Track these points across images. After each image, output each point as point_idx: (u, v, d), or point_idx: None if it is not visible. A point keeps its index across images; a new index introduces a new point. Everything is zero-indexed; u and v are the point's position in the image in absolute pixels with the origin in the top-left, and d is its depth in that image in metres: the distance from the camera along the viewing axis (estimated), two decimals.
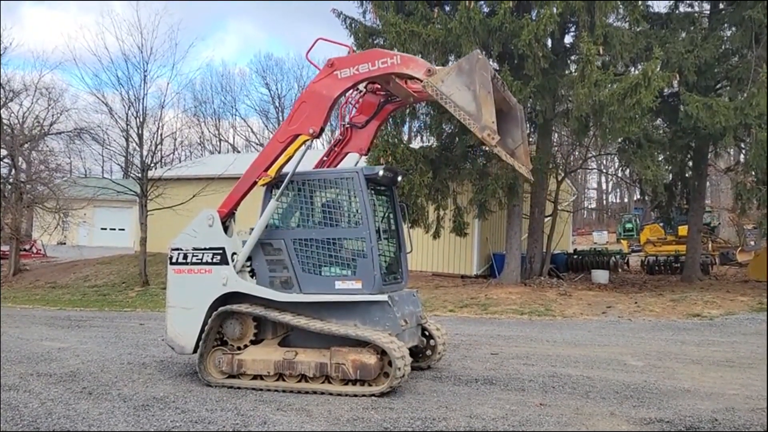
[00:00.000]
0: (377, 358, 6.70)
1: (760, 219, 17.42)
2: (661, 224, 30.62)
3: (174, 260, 7.74)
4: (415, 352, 7.93)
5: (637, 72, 15.97)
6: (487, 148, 19.27)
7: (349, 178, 7.23)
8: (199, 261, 7.58)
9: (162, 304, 8.73)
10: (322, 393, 6.83)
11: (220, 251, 7.49)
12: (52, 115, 27.24)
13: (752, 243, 27.35)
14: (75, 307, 18.07)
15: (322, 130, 7.18)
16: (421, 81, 6.62)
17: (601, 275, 20.04)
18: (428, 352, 8.17)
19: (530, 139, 19.35)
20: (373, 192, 7.54)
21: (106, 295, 20.26)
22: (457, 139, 18.31)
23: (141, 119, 22.43)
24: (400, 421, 5.81)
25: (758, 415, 5.91)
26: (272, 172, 7.43)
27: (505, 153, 6.56)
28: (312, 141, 7.24)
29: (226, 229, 7.64)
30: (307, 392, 6.89)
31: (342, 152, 8.15)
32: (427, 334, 8.12)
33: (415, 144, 18.93)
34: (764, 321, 12.68)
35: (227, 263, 7.43)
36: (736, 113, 15.18)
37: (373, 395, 6.64)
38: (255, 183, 7.55)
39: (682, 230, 25.80)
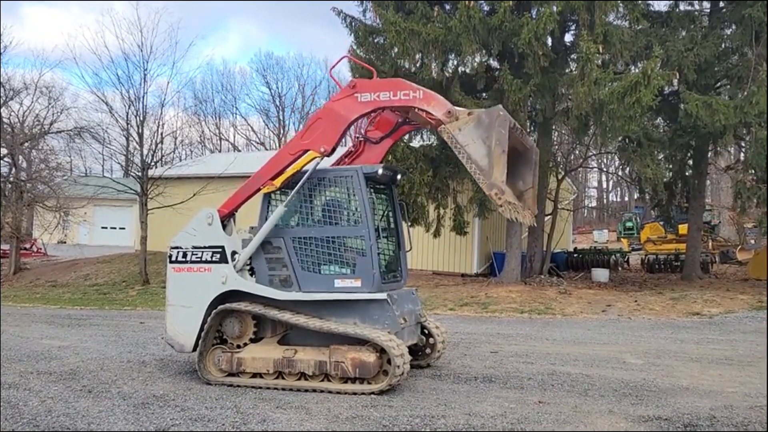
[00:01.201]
0: (376, 357, 6.71)
1: (760, 218, 17.43)
2: (662, 223, 30.65)
3: (173, 258, 7.76)
4: (415, 351, 7.94)
5: (637, 70, 15.96)
6: None
7: (349, 176, 7.23)
8: (199, 259, 7.60)
9: (162, 303, 8.75)
10: (322, 391, 6.85)
11: (220, 250, 7.51)
12: (53, 114, 27.29)
13: (752, 242, 27.39)
14: (75, 305, 18.09)
15: (333, 150, 7.17)
16: (440, 120, 6.58)
17: (601, 274, 20.05)
18: (427, 351, 8.18)
19: (531, 137, 19.39)
20: (372, 190, 7.55)
21: (106, 294, 20.28)
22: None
23: (141, 118, 22.45)
24: (399, 418, 5.82)
25: (756, 413, 5.92)
26: (278, 182, 7.41)
27: (510, 209, 6.40)
28: (321, 159, 7.20)
29: (225, 227, 7.66)
30: (306, 390, 6.91)
31: (352, 164, 8.12)
32: (426, 332, 8.13)
33: (416, 142, 18.94)
34: (763, 319, 12.68)
35: (227, 262, 7.45)
36: (736, 112, 15.18)
37: (373, 393, 6.65)
38: (259, 189, 7.56)
39: (683, 229, 25.82)
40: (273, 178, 7.44)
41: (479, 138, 6.25)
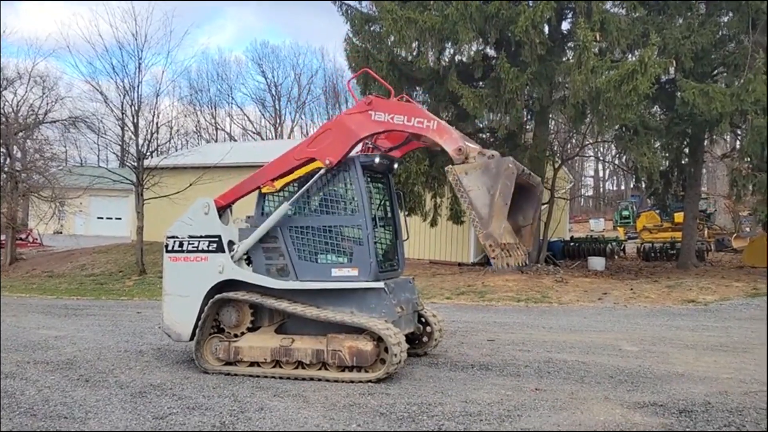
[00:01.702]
0: (374, 345, 6.73)
1: (755, 205, 17.46)
2: (658, 211, 30.76)
3: (170, 248, 7.75)
4: (412, 339, 7.96)
5: (633, 58, 15.93)
6: (484, 136, 19.34)
7: (345, 165, 7.22)
8: (195, 249, 7.59)
9: (159, 293, 8.75)
10: (319, 380, 6.87)
11: (216, 239, 7.50)
12: (47, 104, 27.08)
13: (747, 229, 27.48)
14: (72, 295, 18.08)
15: (339, 163, 7.12)
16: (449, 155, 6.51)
17: (597, 262, 20.11)
18: (424, 339, 8.20)
19: (527, 127, 19.37)
20: (369, 179, 7.53)
21: (103, 284, 20.27)
22: (454, 126, 18.26)
23: (136, 107, 22.35)
24: (397, 406, 5.84)
25: (751, 398, 5.96)
26: (278, 184, 7.40)
27: (501, 260, 6.34)
28: (325, 170, 7.14)
29: (221, 217, 7.65)
30: (303, 379, 6.92)
31: None
32: (423, 320, 8.15)
33: None
34: (758, 306, 12.75)
35: (223, 251, 7.45)
36: (733, 99, 15.18)
37: (370, 381, 6.67)
38: (259, 188, 7.55)
39: (678, 217, 25.90)
40: (275, 179, 7.42)
41: (484, 186, 6.18)
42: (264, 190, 7.51)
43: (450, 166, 6.45)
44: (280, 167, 7.43)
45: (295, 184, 7.39)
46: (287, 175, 7.39)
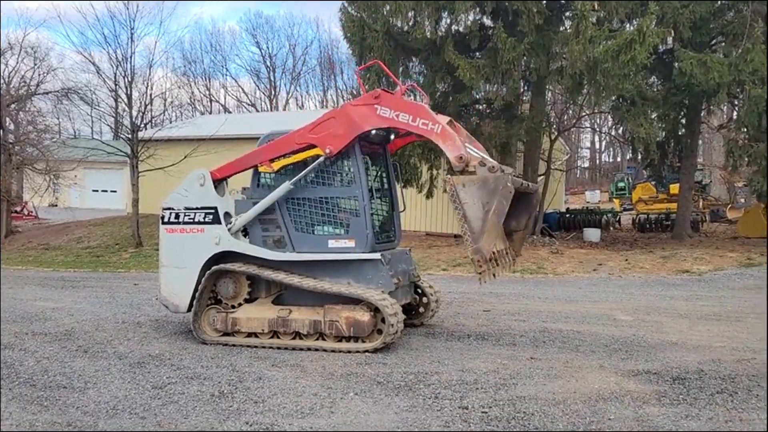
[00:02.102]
0: (370, 316, 6.77)
1: (750, 176, 17.47)
2: (653, 183, 30.77)
3: (166, 220, 7.74)
4: (408, 310, 8.02)
5: (632, 28, 15.78)
6: (480, 107, 19.24)
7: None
8: (192, 220, 7.58)
9: (155, 265, 8.76)
10: (316, 350, 6.92)
11: (213, 211, 7.50)
12: (39, 75, 26.77)
13: (742, 200, 27.53)
14: (68, 268, 18.09)
15: (339, 153, 7.07)
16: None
17: (592, 234, 20.17)
18: (421, 310, 8.26)
19: (523, 98, 19.26)
20: (365, 147, 7.49)
21: (99, 257, 20.27)
22: (450, 98, 18.17)
23: (129, 79, 22.07)
24: (394, 375, 5.90)
25: (743, 366, 6.04)
26: (276, 165, 7.37)
27: (485, 275, 6.37)
28: (324, 158, 7.08)
29: (217, 188, 7.62)
30: (301, 349, 6.98)
31: None
32: (420, 291, 8.20)
33: None
34: (752, 276, 12.86)
35: (220, 222, 7.45)
36: (730, 69, 15.10)
37: (367, 351, 6.72)
38: (257, 167, 7.53)
39: (674, 188, 25.94)
40: (273, 160, 7.39)
41: (480, 200, 6.16)
42: (261, 169, 7.50)
43: (448, 176, 6.44)
44: (280, 148, 7.40)
45: (291, 167, 7.36)
46: (286, 157, 7.35)
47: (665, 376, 5.74)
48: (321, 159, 7.10)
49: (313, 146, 7.16)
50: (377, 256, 7.01)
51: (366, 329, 6.76)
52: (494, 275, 6.65)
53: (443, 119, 7.05)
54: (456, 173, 6.39)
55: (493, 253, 6.41)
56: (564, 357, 6.53)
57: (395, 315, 6.68)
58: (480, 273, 6.24)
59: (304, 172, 7.18)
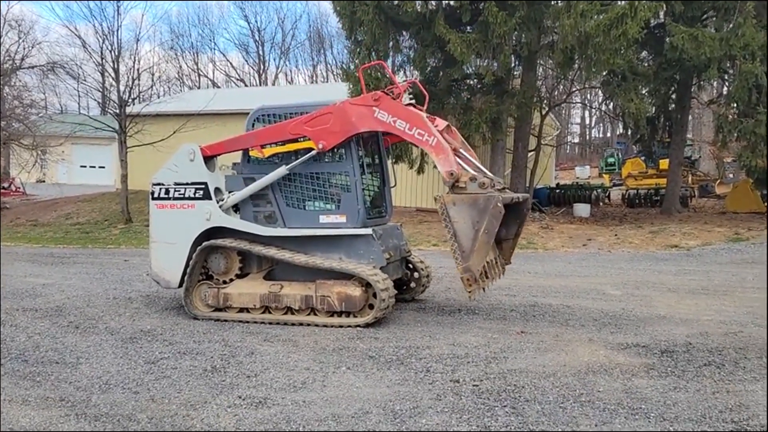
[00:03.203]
0: (362, 290, 6.80)
1: (739, 151, 17.56)
2: (643, 158, 30.88)
3: (156, 195, 7.70)
4: (399, 285, 8.05)
5: (623, 2, 15.68)
6: (471, 82, 19.13)
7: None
8: (182, 196, 7.55)
9: (145, 241, 8.73)
10: (308, 324, 6.95)
11: (203, 186, 7.46)
12: (24, 49, 26.34)
13: (731, 176, 27.69)
14: (58, 244, 17.99)
15: (331, 149, 7.05)
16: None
17: (582, 209, 20.27)
18: (412, 285, 8.29)
19: (514, 73, 19.16)
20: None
21: (89, 233, 20.16)
22: (441, 73, 18.06)
23: (116, 53, 21.76)
24: (385, 349, 5.94)
25: (730, 339, 6.12)
26: (267, 152, 7.36)
27: (474, 293, 6.37)
28: (316, 152, 7.06)
29: (207, 164, 7.57)
30: (293, 324, 7.00)
31: None
32: (411, 267, 8.23)
33: (399, 78, 18.63)
34: (740, 251, 13.00)
35: (210, 198, 7.42)
36: (722, 44, 15.09)
37: (359, 326, 6.76)
38: (247, 150, 7.49)
39: (663, 164, 26.05)
40: (264, 146, 7.37)
41: (470, 219, 6.17)
42: (251, 153, 7.48)
43: (439, 194, 6.47)
44: (273, 135, 7.36)
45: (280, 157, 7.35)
46: (278, 145, 7.34)
47: (654, 349, 5.81)
48: (313, 153, 7.08)
49: (305, 138, 7.14)
50: (368, 231, 7.01)
51: (357, 304, 6.79)
52: (484, 289, 6.77)
53: (441, 124, 7.08)
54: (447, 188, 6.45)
55: (483, 266, 6.50)
56: (554, 331, 6.59)
57: (387, 290, 6.71)
58: (469, 291, 6.30)
59: (298, 161, 7.16)
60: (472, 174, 6.48)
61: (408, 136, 6.79)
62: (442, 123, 7.16)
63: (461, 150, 7.06)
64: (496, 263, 7.22)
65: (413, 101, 7.43)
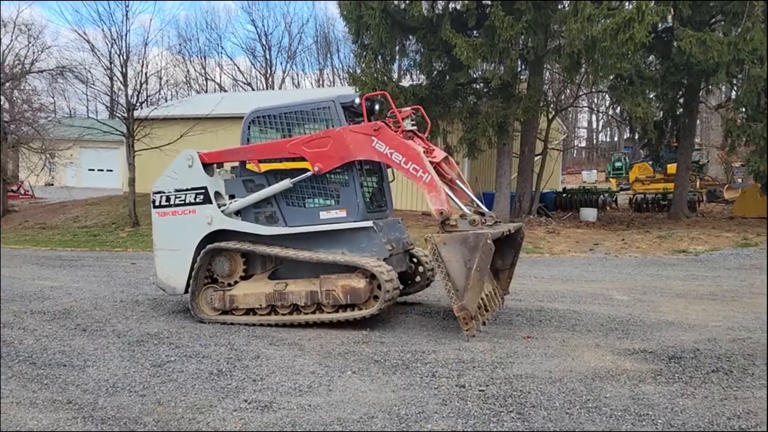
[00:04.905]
0: (366, 282, 6.81)
1: (748, 156, 17.47)
2: (650, 162, 30.75)
3: (157, 203, 7.76)
4: (404, 279, 8.04)
5: (630, 6, 15.64)
6: (477, 86, 19.12)
7: (326, 107, 7.22)
8: (183, 202, 7.60)
9: (152, 245, 8.75)
10: (315, 323, 6.97)
11: (203, 191, 7.52)
12: (33, 53, 26.48)
13: (739, 180, 27.56)
14: (65, 247, 18.08)
15: (327, 172, 7.10)
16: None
17: (589, 213, 20.21)
18: (417, 279, 8.30)
19: (521, 77, 19.14)
20: (351, 122, 7.48)
21: (96, 236, 20.24)
22: (447, 77, 18.06)
23: (125, 57, 21.88)
24: (391, 353, 5.93)
25: (739, 345, 6.08)
26: (264, 167, 7.43)
27: (472, 333, 6.37)
28: (312, 174, 7.12)
29: (206, 169, 7.62)
30: (299, 325, 7.02)
31: None
32: (415, 260, 8.23)
33: (405, 82, 18.66)
34: (748, 256, 12.92)
35: (210, 202, 7.47)
36: (730, 48, 15.00)
37: (364, 318, 6.78)
38: (245, 163, 7.56)
39: (671, 168, 25.92)
40: (261, 161, 7.44)
41: (461, 257, 6.22)
42: (248, 167, 7.55)
43: (430, 234, 6.54)
44: (271, 152, 7.42)
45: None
46: (275, 162, 7.40)
47: (661, 355, 5.78)
48: (308, 174, 7.12)
49: (303, 159, 7.18)
50: (369, 223, 7.05)
51: (363, 296, 6.81)
52: (484, 323, 6.81)
53: (439, 154, 7.12)
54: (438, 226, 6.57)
55: (481, 299, 6.56)
56: (560, 336, 6.57)
57: (391, 281, 6.73)
58: (467, 330, 6.31)
59: (299, 177, 7.20)
60: (463, 211, 6.59)
61: (403, 169, 6.84)
62: (440, 153, 7.23)
63: (457, 182, 7.14)
64: (495, 294, 7.31)
65: (415, 127, 7.42)
